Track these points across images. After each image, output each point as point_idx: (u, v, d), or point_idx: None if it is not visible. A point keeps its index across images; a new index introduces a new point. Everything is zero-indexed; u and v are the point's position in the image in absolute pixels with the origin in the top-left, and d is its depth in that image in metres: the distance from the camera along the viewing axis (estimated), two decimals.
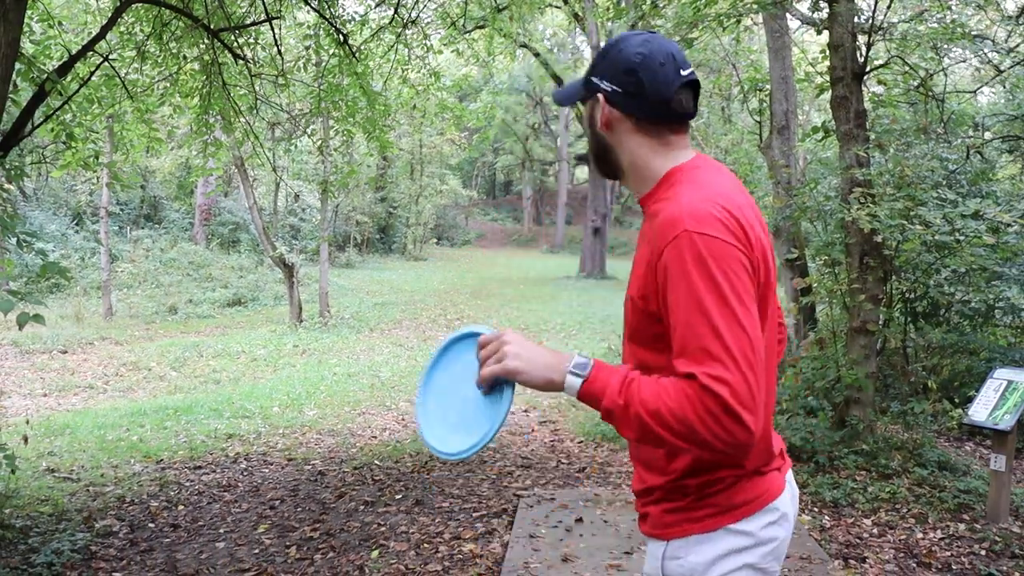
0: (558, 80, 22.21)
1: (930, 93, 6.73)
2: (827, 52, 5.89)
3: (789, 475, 1.55)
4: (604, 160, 1.54)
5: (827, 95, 5.95)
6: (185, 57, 6.19)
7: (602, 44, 22.02)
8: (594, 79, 1.48)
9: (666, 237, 1.31)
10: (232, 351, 11.38)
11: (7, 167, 3.98)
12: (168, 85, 6.39)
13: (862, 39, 5.79)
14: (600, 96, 1.47)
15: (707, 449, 1.26)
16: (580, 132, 36.04)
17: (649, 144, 1.46)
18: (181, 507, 4.93)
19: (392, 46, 7.39)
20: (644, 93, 1.42)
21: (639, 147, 1.47)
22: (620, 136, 1.48)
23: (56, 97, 4.70)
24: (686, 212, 1.31)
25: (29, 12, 5.07)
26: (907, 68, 6.66)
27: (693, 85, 1.45)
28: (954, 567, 3.74)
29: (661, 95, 1.42)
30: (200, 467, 5.87)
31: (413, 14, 7.27)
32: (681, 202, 1.34)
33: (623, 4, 11.14)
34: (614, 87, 1.45)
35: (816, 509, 4.56)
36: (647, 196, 1.49)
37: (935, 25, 6.75)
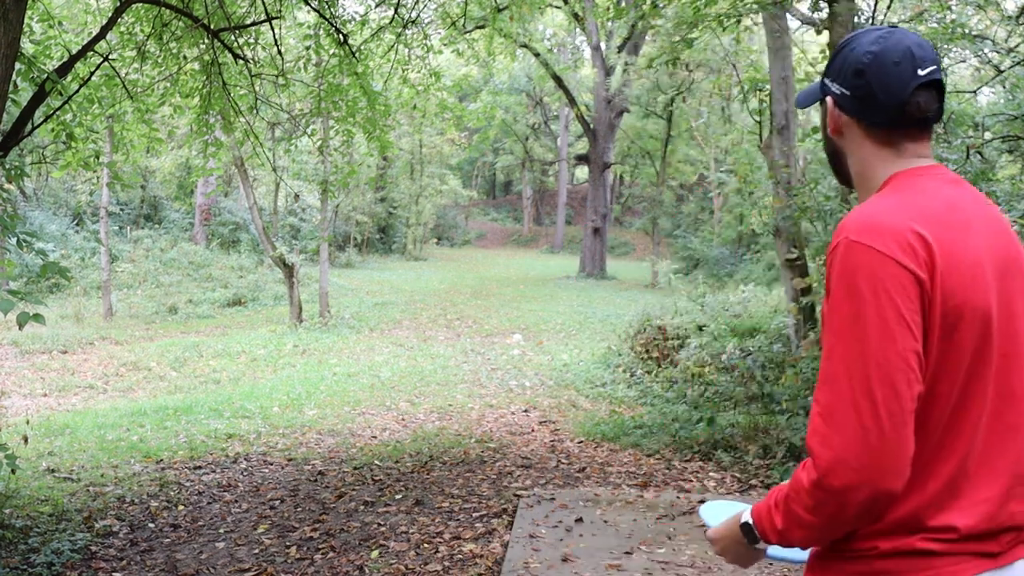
0: (558, 80, 22.21)
1: None
2: (827, 52, 5.90)
3: None
4: (835, 166, 1.42)
5: None
6: (185, 57, 6.20)
7: (602, 45, 21.57)
8: (826, 80, 1.36)
9: (830, 246, 1.22)
10: (232, 351, 11.38)
11: (7, 167, 3.98)
12: (168, 85, 6.39)
13: None
14: (829, 100, 1.35)
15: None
16: (580, 132, 36.00)
17: (879, 152, 1.31)
18: (181, 507, 4.93)
19: (392, 46, 7.38)
20: (874, 96, 1.27)
21: (869, 155, 1.32)
22: (850, 142, 1.35)
23: (56, 97, 4.70)
24: (855, 219, 1.20)
25: (29, 12, 5.07)
26: None
27: (936, 84, 1.27)
28: None
29: (894, 98, 1.26)
30: (200, 467, 5.86)
31: (413, 14, 7.27)
32: (862, 208, 1.22)
33: (623, 4, 11.14)
34: (843, 90, 1.31)
35: None
36: None
37: (935, 25, 6.75)
